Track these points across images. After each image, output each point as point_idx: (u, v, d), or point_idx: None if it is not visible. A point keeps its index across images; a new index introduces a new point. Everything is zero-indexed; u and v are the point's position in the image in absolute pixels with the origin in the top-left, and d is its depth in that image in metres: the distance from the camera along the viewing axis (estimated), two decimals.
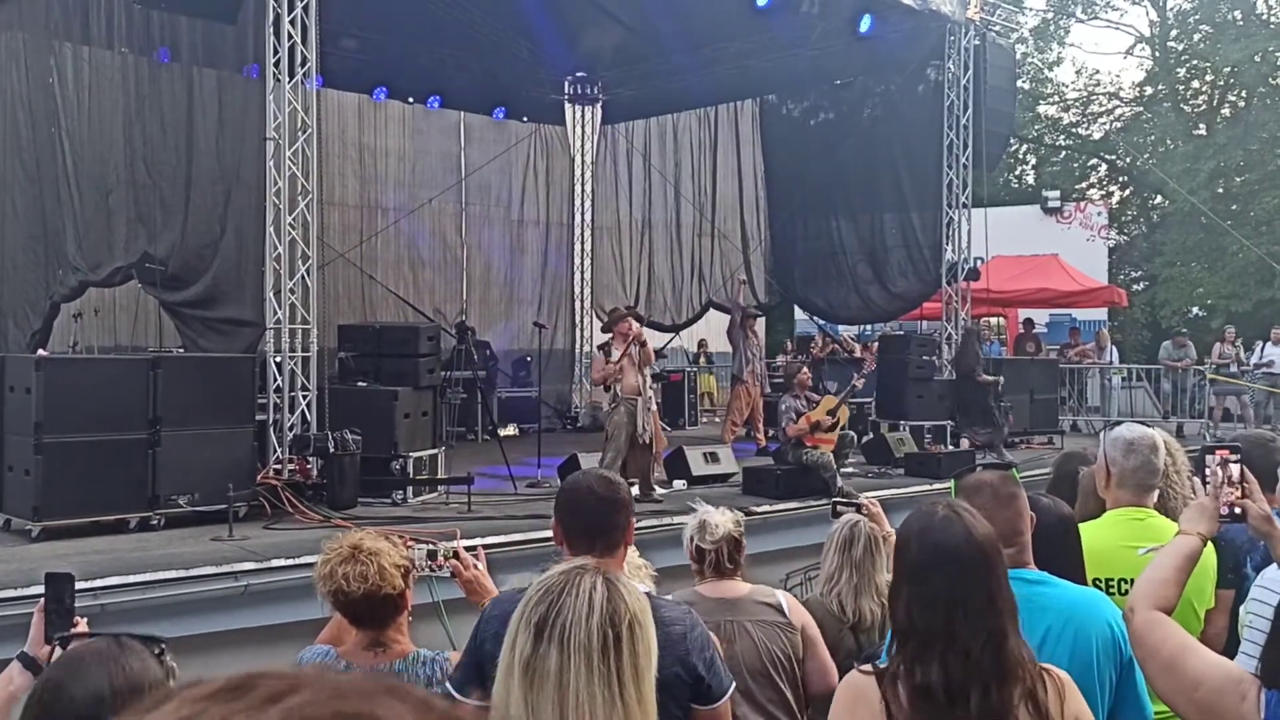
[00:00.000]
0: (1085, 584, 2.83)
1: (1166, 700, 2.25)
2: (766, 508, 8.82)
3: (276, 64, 8.81)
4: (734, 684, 2.55)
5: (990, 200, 13.83)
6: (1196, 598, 3.04)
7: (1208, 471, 2.54)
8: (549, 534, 2.69)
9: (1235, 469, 2.53)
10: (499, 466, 10.15)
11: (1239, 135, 25.78)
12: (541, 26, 13.77)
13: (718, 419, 16.07)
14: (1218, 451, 2.57)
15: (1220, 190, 26.34)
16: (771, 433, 12.22)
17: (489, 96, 15.74)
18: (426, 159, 15.90)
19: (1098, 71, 41.22)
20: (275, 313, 8.83)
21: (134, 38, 9.30)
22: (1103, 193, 31.31)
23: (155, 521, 7.66)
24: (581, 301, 17.23)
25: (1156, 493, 3.27)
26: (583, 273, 17.28)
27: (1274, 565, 2.68)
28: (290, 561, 6.48)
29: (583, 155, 17.25)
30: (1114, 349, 18.52)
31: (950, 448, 11.85)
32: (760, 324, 15.93)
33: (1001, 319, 20.56)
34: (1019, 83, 20.45)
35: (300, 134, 8.99)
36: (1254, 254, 21.57)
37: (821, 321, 17.59)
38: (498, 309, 16.67)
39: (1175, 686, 2.16)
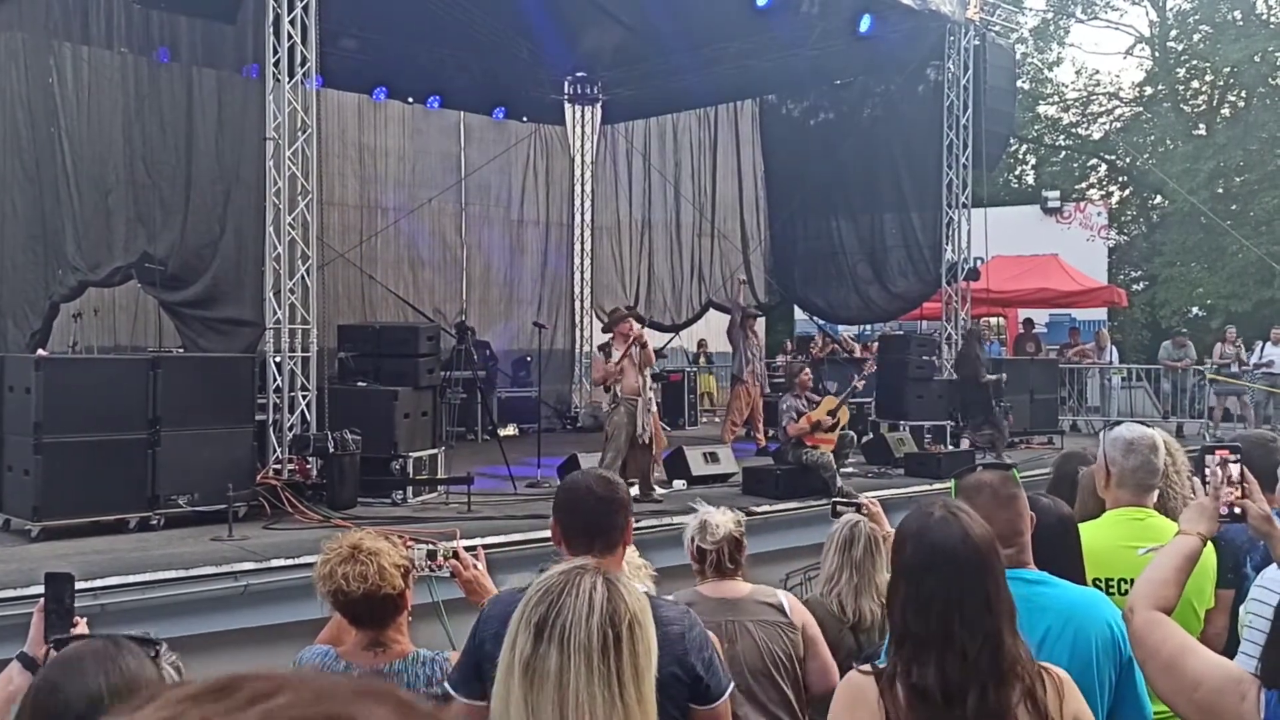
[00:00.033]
0: (1085, 584, 2.83)
1: (1166, 700, 2.25)
2: (766, 508, 8.82)
3: (276, 64, 8.81)
4: (733, 684, 2.55)
5: (990, 200, 13.84)
6: (1196, 598, 3.04)
7: (1207, 471, 2.54)
8: (549, 534, 2.69)
9: (1235, 469, 2.53)
10: (499, 466, 10.15)
11: (1239, 135, 25.78)
12: (541, 26, 13.77)
13: (717, 419, 16.07)
14: (1217, 451, 2.57)
15: (1220, 190, 26.35)
16: (771, 433, 12.22)
17: (489, 96, 15.74)
18: (426, 159, 15.90)
19: (1097, 72, 41.27)
20: (275, 313, 8.83)
21: (133, 37, 9.30)
22: (1102, 193, 31.32)
23: (155, 521, 7.66)
24: (581, 301, 17.24)
25: (1156, 493, 3.27)
26: (582, 273, 17.28)
27: (1274, 565, 2.68)
28: (290, 561, 6.48)
29: (582, 155, 17.25)
30: (1114, 349, 18.52)
31: (950, 448, 11.86)
32: (760, 324, 15.94)
33: (1001, 319, 20.57)
34: (1019, 83, 20.46)
35: (300, 134, 8.99)
36: (1254, 254, 21.58)
37: (821, 321, 17.60)
38: (497, 309, 16.67)
39: (1175, 686, 2.16)
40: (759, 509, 8.65)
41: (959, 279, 13.34)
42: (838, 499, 4.59)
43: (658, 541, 6.56)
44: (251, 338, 8.96)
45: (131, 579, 6.08)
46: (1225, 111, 29.04)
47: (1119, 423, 3.59)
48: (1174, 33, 29.78)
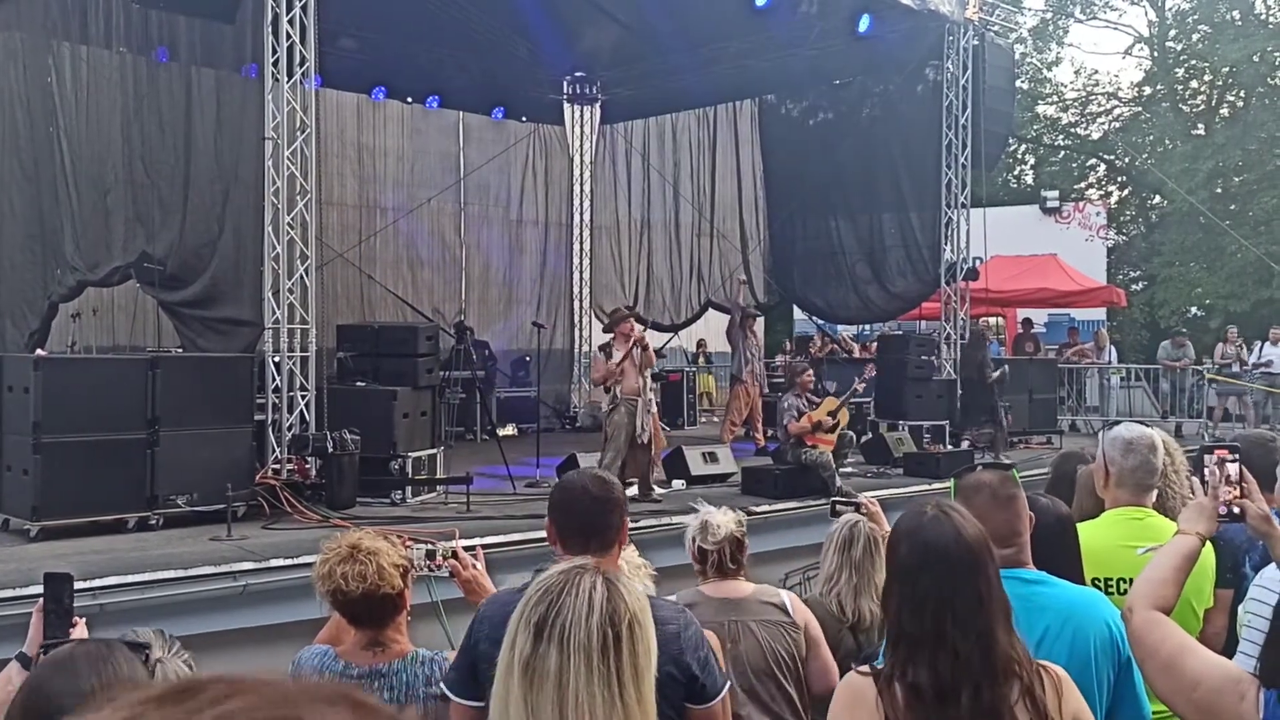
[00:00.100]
0: (1083, 583, 2.83)
1: (1165, 700, 2.25)
2: (765, 507, 8.82)
3: (275, 64, 8.81)
4: (729, 683, 2.55)
5: (989, 200, 13.85)
6: (1195, 597, 3.04)
7: (1206, 471, 2.54)
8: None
9: (1233, 468, 2.53)
10: (498, 466, 10.15)
11: (1237, 135, 25.80)
12: (540, 26, 13.76)
13: (716, 419, 16.07)
14: (1216, 451, 2.57)
15: (1219, 190, 26.36)
16: (771, 432, 12.22)
17: (488, 96, 15.74)
18: (425, 159, 15.90)
19: (1096, 71, 41.24)
20: (274, 312, 8.83)
21: (132, 37, 9.29)
22: (1101, 193, 31.34)
23: (154, 521, 7.65)
24: (580, 301, 17.24)
25: (1155, 492, 3.27)
26: (581, 273, 17.28)
27: (1273, 565, 2.69)
28: (289, 561, 6.48)
29: (581, 155, 17.24)
30: (1112, 349, 18.53)
31: (949, 447, 11.87)
32: (759, 324, 15.93)
33: (1000, 319, 20.57)
34: (1018, 83, 20.44)
35: (299, 134, 8.99)
36: (1252, 254, 21.59)
37: (820, 321, 17.60)
38: (496, 309, 16.67)
39: (1174, 686, 2.16)
40: (758, 509, 8.65)
41: (958, 279, 13.34)
42: (837, 498, 4.59)
43: (657, 541, 6.57)
44: (250, 337, 8.96)
45: (130, 579, 6.08)
46: (1224, 111, 29.06)
47: (1118, 422, 3.59)
48: (1173, 33, 29.79)
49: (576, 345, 17.11)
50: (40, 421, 7.31)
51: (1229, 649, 2.75)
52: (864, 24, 12.94)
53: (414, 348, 9.49)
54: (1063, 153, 32.63)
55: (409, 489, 8.95)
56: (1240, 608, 2.88)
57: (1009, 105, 14.32)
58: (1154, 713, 2.54)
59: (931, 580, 2.10)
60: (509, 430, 14.22)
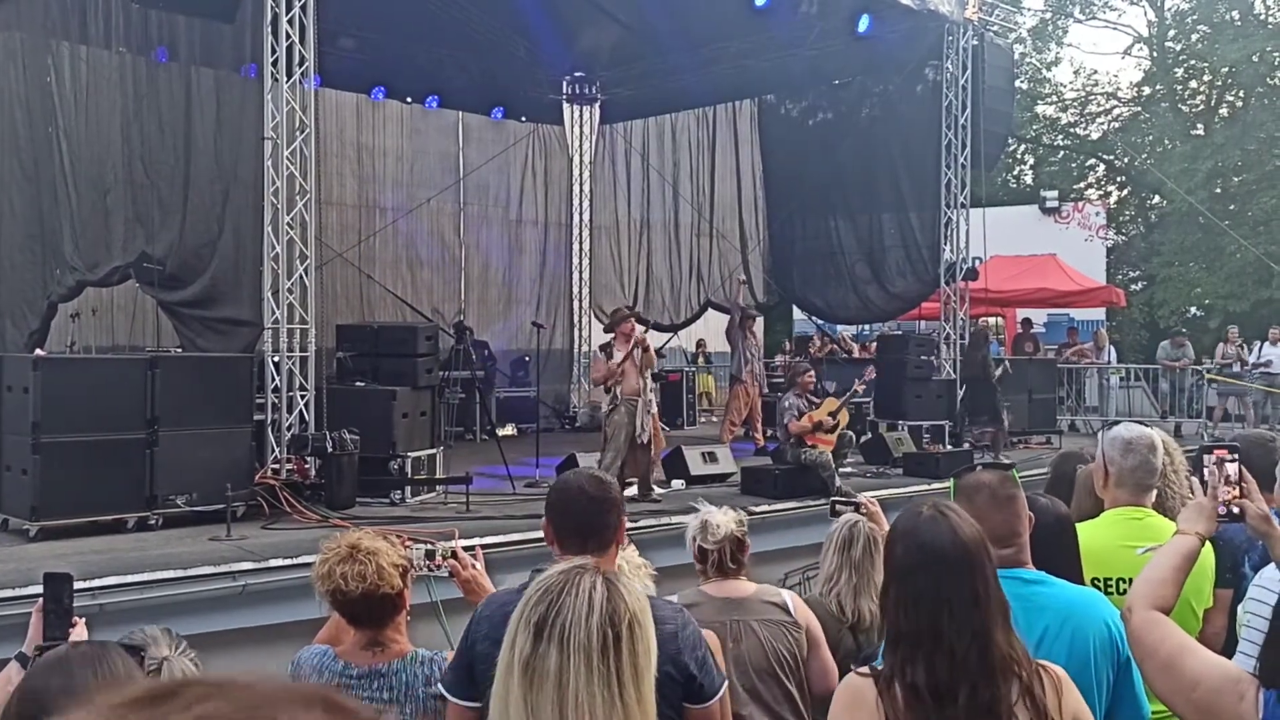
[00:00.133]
0: (1082, 583, 2.83)
1: (1164, 700, 2.25)
2: (765, 507, 8.82)
3: (274, 63, 8.81)
4: (726, 683, 2.55)
5: (988, 200, 13.85)
6: (1195, 597, 3.04)
7: (1205, 471, 2.54)
8: None
9: (1233, 468, 2.53)
10: (497, 466, 10.15)
11: (1237, 135, 25.80)
12: (539, 26, 13.77)
13: (716, 419, 16.07)
14: (1215, 451, 2.57)
15: (1218, 190, 26.37)
16: (770, 432, 12.22)
17: (487, 96, 15.74)
18: (425, 159, 15.90)
19: (1096, 71, 41.27)
20: (273, 312, 8.83)
21: (132, 37, 9.29)
22: (1101, 193, 31.34)
23: (153, 521, 7.65)
24: (580, 301, 17.24)
25: (1155, 492, 3.27)
26: (581, 272, 17.28)
27: (1272, 565, 2.69)
28: (288, 561, 6.48)
29: (581, 155, 17.24)
30: (1112, 349, 18.54)
31: (948, 447, 11.87)
32: (759, 324, 15.94)
33: (1000, 319, 20.58)
34: (1017, 83, 20.45)
35: (298, 133, 8.99)
36: (1252, 254, 21.60)
37: (820, 321, 17.60)
38: (496, 309, 16.67)
39: (1173, 686, 2.16)
40: (758, 509, 8.65)
41: (957, 279, 13.34)
42: (836, 498, 4.59)
43: (657, 541, 6.57)
44: (250, 337, 8.96)
45: (130, 579, 6.08)
46: (1223, 111, 29.06)
47: (1117, 422, 3.60)
48: (1172, 33, 29.79)
49: (576, 345, 17.11)
50: (40, 421, 7.31)
51: (1228, 649, 2.75)
52: (864, 24, 12.93)
53: (413, 348, 9.49)
54: (1062, 153, 32.64)
55: (408, 489, 8.95)
56: (1239, 608, 2.89)
57: (1008, 105, 14.32)
58: (1153, 712, 2.54)
59: (928, 580, 2.10)
60: (508, 430, 14.22)
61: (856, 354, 17.49)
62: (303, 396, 8.88)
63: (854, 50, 13.46)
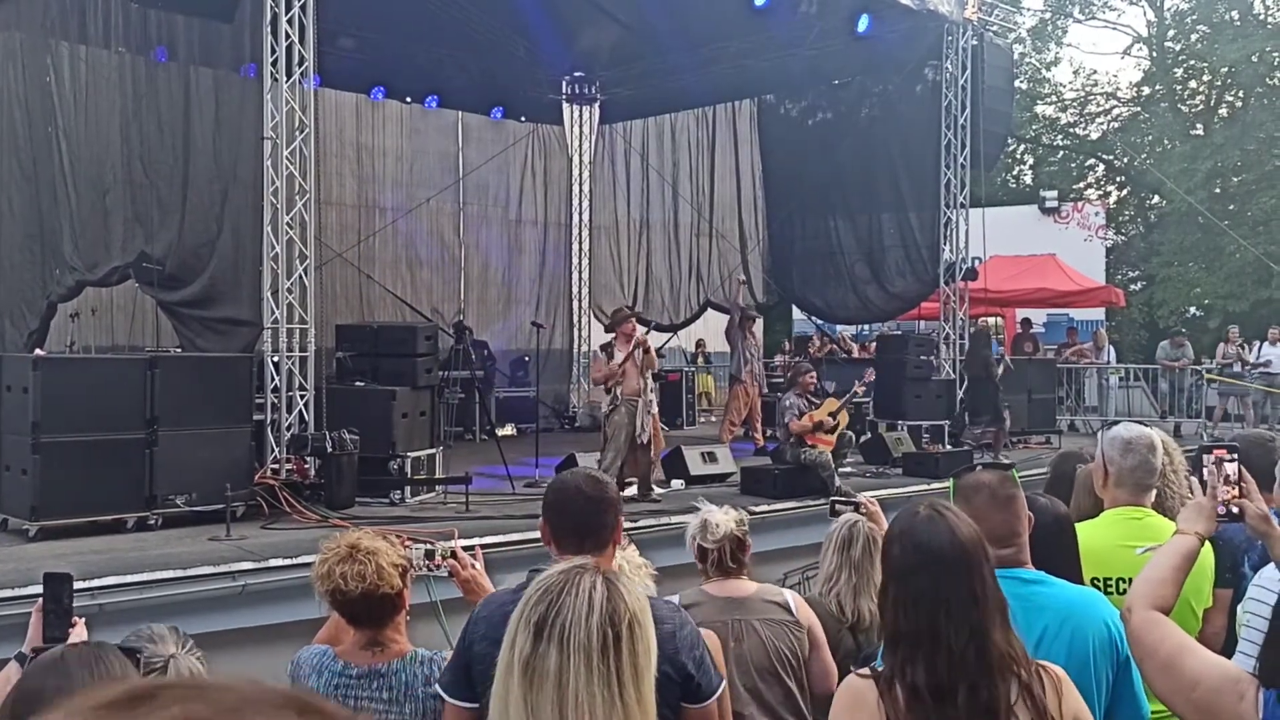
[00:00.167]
0: (1082, 583, 2.83)
1: (1164, 700, 2.25)
2: (765, 507, 8.82)
3: (274, 63, 8.81)
4: (724, 682, 2.55)
5: (988, 200, 13.84)
6: (1194, 597, 3.04)
7: (1205, 471, 2.54)
8: None
9: (1232, 468, 2.53)
10: (497, 466, 10.14)
11: (1236, 135, 25.81)
12: (539, 25, 13.76)
13: (715, 419, 16.07)
14: (1214, 451, 2.57)
15: (1217, 190, 26.38)
16: (770, 432, 12.22)
17: (487, 96, 15.73)
18: (424, 159, 15.89)
19: (1095, 72, 41.30)
20: (273, 312, 8.83)
21: (131, 37, 9.29)
22: (1100, 193, 31.35)
23: (153, 521, 7.65)
24: (579, 301, 17.24)
25: (1154, 492, 3.27)
26: (580, 272, 17.28)
27: (1271, 565, 2.69)
28: (288, 561, 6.48)
29: (580, 155, 17.24)
30: (1111, 349, 18.54)
31: (948, 447, 11.88)
32: (758, 324, 15.93)
33: (999, 319, 20.57)
34: (1016, 83, 20.49)
35: (298, 133, 8.99)
36: (1251, 254, 21.61)
37: (819, 321, 17.60)
38: (495, 309, 16.66)
39: (1173, 686, 2.16)
40: (757, 509, 8.65)
41: (957, 279, 13.34)
42: (836, 498, 4.59)
43: (657, 541, 6.57)
44: (249, 337, 8.96)
45: (129, 579, 6.08)
46: (1223, 111, 29.07)
47: (1117, 422, 3.60)
48: (1171, 33, 29.81)
49: (575, 345, 17.11)
50: (39, 421, 7.31)
51: (1228, 649, 2.75)
52: (863, 24, 12.93)
53: (413, 348, 9.48)
54: (1061, 153, 32.65)
55: (408, 489, 8.95)
56: (1239, 607, 2.89)
57: (1008, 105, 14.33)
58: (1153, 712, 2.54)
59: (925, 580, 2.10)
60: (508, 430, 14.21)
61: (856, 354, 17.49)
62: (302, 396, 8.88)
63: (853, 50, 13.46)
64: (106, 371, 8.05)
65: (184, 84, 9.30)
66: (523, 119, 16.52)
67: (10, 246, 9.87)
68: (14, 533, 7.37)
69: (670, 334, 16.83)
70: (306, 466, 8.62)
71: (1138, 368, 18.54)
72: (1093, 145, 31.76)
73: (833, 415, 9.50)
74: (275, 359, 8.82)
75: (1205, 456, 2.55)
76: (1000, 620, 2.10)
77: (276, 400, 8.79)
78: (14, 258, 9.81)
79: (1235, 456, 2.54)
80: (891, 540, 2.22)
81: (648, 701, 1.88)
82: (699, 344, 19.43)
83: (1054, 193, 26.05)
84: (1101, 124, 32.06)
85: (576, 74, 16.55)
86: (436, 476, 9.38)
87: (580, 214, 17.24)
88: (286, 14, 8.82)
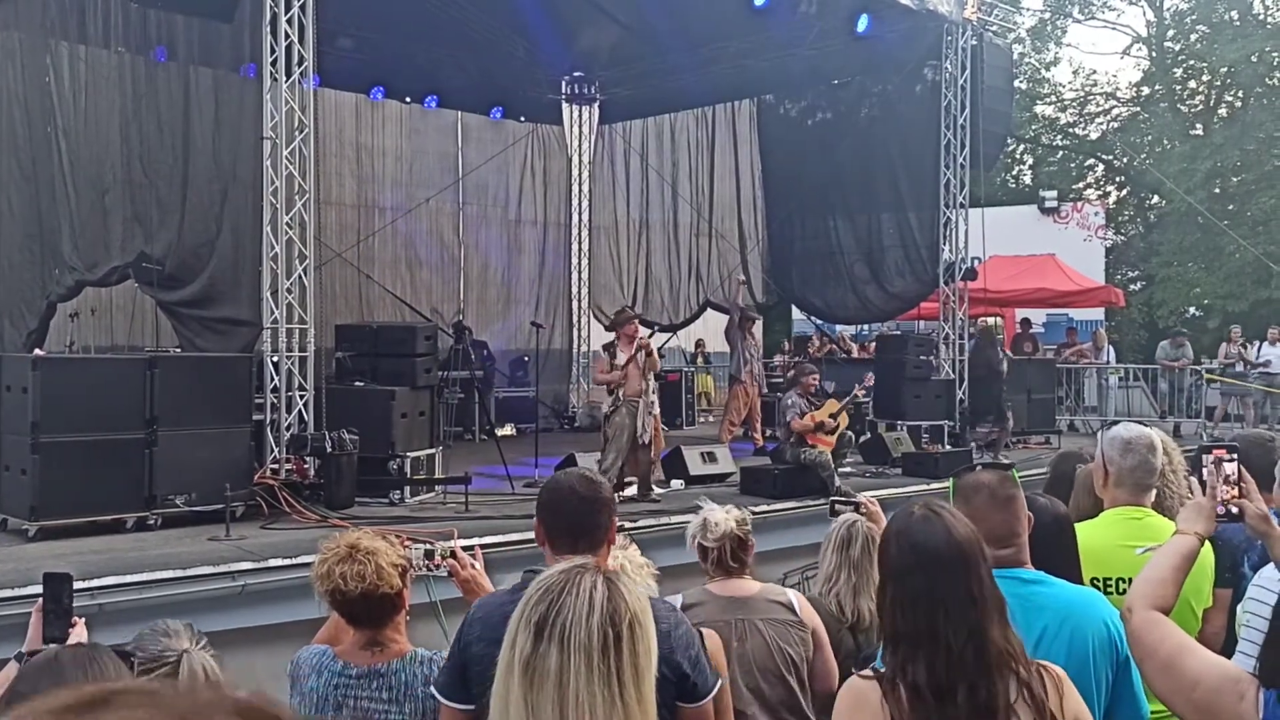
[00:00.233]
0: (1081, 583, 2.83)
1: (1164, 700, 2.25)
2: (764, 507, 8.82)
3: (273, 63, 8.81)
4: (720, 682, 2.54)
5: (987, 200, 13.84)
6: (1194, 597, 3.05)
7: (1204, 471, 2.54)
8: None
9: (1231, 468, 2.53)
10: (496, 466, 10.14)
11: (1236, 135, 25.81)
12: (538, 25, 13.76)
13: (715, 419, 16.07)
14: (1214, 451, 2.57)
15: (1217, 190, 26.38)
16: (770, 432, 12.23)
17: (486, 96, 15.73)
18: (424, 159, 15.89)
19: (1095, 72, 41.26)
20: (272, 312, 8.82)
21: (130, 37, 9.29)
22: (1100, 193, 31.35)
23: (152, 521, 7.65)
24: (579, 301, 17.23)
25: (1154, 492, 3.27)
26: (580, 273, 17.28)
27: (1271, 564, 2.69)
28: (287, 561, 6.48)
29: (580, 155, 17.24)
30: (1111, 349, 18.54)
31: (947, 447, 11.88)
32: (758, 324, 15.93)
33: (999, 319, 20.55)
34: (1016, 83, 20.47)
35: (297, 133, 8.98)
36: (1251, 254, 21.62)
37: (819, 321, 17.60)
38: (495, 309, 16.66)
39: (1173, 686, 2.16)
40: (757, 509, 8.64)
41: (956, 279, 13.33)
42: (836, 498, 4.59)
43: (657, 541, 6.56)
44: (249, 337, 8.95)
45: (129, 579, 6.08)
46: (1222, 111, 29.07)
47: (1116, 422, 3.60)
48: (1171, 33, 29.81)
49: (575, 345, 17.11)
50: (39, 421, 7.31)
51: (1228, 649, 2.75)
52: (863, 24, 12.93)
53: (412, 348, 9.48)
54: (1061, 153, 32.64)
55: (407, 489, 8.95)
56: (1239, 607, 2.89)
57: (1007, 105, 14.32)
58: (1153, 712, 2.54)
59: (923, 580, 2.10)
60: (507, 430, 14.21)
61: (855, 354, 17.48)
62: (302, 396, 8.87)
63: (853, 50, 13.45)
64: (106, 371, 8.05)
65: (183, 84, 9.30)
66: (522, 119, 16.52)
67: (10, 246, 9.86)
68: (14, 533, 7.37)
69: (670, 334, 16.83)
70: (306, 466, 8.62)
71: (1137, 368, 18.54)
72: (1092, 145, 31.76)
73: (833, 416, 9.51)
74: (275, 359, 8.82)
75: (1205, 456, 2.55)
76: (999, 619, 2.10)
77: (276, 400, 8.79)
78: (13, 258, 9.81)
79: (1235, 456, 2.54)
80: (888, 540, 2.23)
81: (648, 701, 1.88)
82: (698, 344, 19.43)
83: (1053, 193, 26.04)
84: (1101, 124, 32.06)
85: (576, 74, 16.55)
86: (436, 476, 9.38)
87: (580, 214, 17.24)
88: (286, 14, 8.81)
